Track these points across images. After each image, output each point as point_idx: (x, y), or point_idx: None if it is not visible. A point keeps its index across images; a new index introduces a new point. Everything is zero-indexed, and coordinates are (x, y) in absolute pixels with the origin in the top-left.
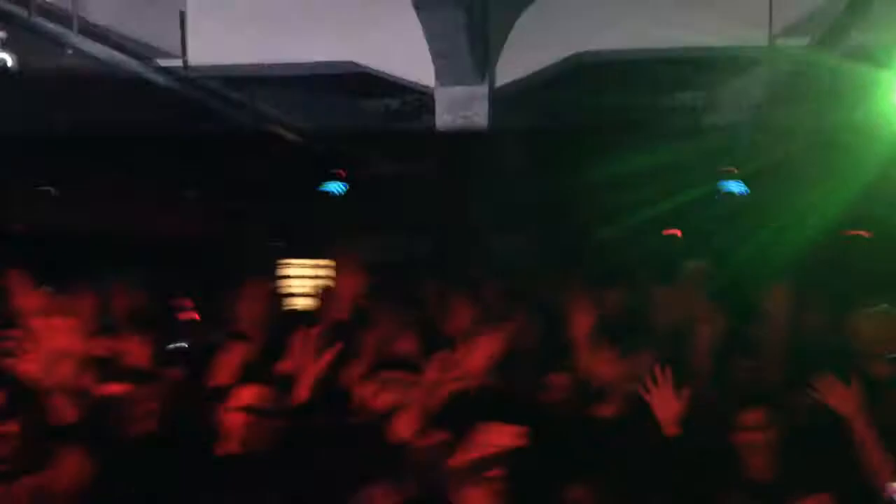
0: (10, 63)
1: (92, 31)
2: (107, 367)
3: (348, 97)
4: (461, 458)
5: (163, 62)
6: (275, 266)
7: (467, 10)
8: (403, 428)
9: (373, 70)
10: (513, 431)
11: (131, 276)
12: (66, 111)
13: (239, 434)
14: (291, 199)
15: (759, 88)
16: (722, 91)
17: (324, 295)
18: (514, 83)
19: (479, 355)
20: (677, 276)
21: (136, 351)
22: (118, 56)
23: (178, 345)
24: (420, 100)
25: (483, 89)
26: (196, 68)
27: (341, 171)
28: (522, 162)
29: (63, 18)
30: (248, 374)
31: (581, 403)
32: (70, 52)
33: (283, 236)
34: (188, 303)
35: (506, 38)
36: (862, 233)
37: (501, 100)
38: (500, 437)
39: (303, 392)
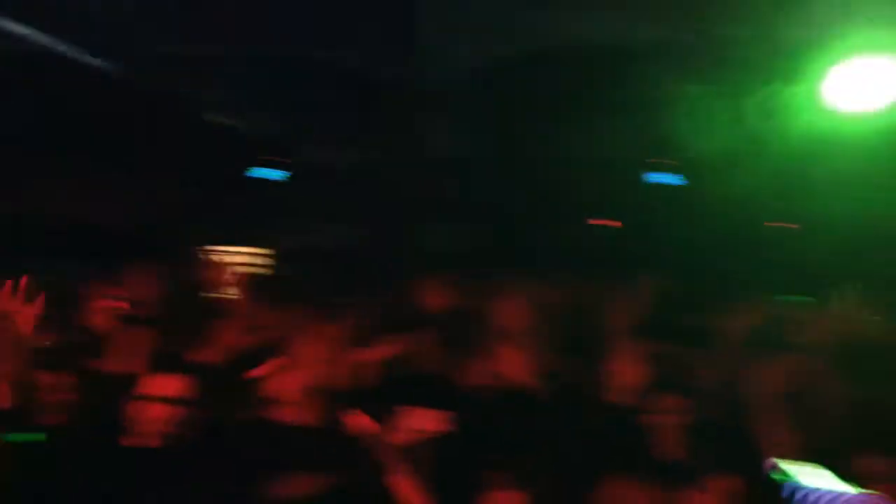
0: None
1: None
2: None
3: (288, 84)
4: (387, 443)
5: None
6: (197, 252)
7: None
8: (320, 413)
9: (314, 57)
10: (438, 415)
11: (53, 263)
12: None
13: (152, 425)
14: (225, 186)
15: (690, 81)
16: (654, 83)
17: (240, 282)
18: (452, 74)
19: (400, 343)
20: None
21: (49, 338)
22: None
23: (91, 332)
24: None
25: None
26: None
27: (277, 159)
28: (459, 154)
29: None
30: (161, 363)
31: (506, 388)
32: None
33: (210, 223)
34: (106, 289)
35: (448, 27)
36: (790, 225)
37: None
38: (425, 421)
39: (215, 380)
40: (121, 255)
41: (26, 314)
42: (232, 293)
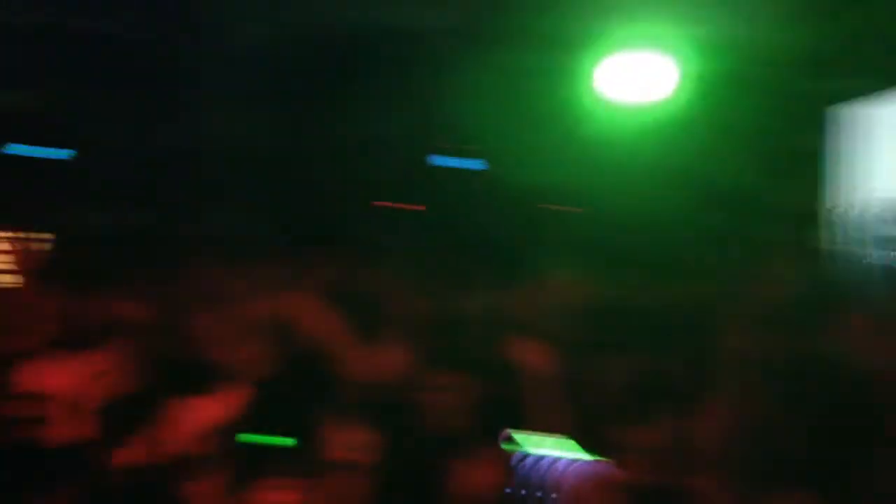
0: None
1: None
2: None
3: (45, 56)
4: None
5: None
6: None
7: None
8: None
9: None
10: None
11: None
12: None
13: None
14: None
15: (477, 67)
16: (441, 68)
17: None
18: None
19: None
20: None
21: None
22: None
23: None
24: None
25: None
26: None
27: (38, 136)
28: (245, 130)
29: None
30: None
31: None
32: None
33: None
34: None
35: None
36: (573, 208)
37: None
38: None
39: None
40: None
41: None
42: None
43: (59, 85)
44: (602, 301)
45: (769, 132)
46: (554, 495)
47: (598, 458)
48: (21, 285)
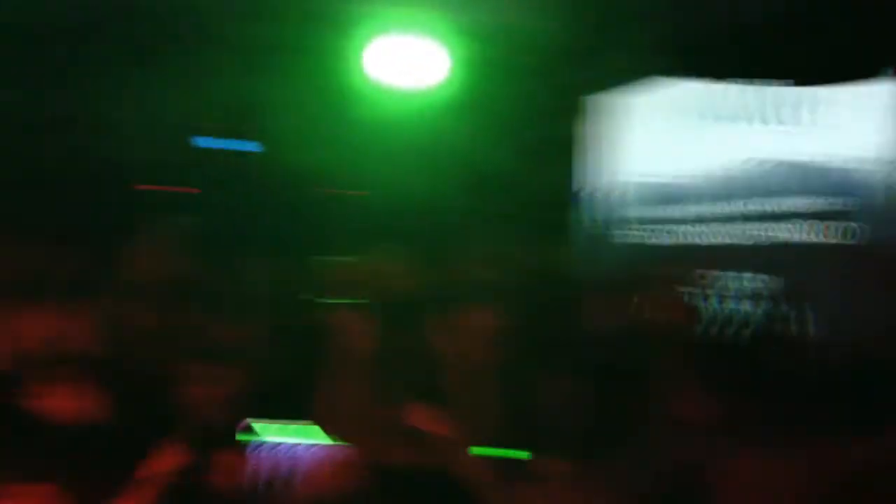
0: None
1: None
2: None
3: None
4: None
5: None
6: None
7: None
8: None
9: None
10: None
11: None
12: None
13: None
14: None
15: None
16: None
17: None
18: None
19: None
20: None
21: None
22: None
23: None
24: None
25: None
26: None
27: None
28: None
29: None
30: None
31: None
32: None
33: None
34: None
35: None
36: (358, 192)
37: None
38: None
39: None
40: None
41: None
42: None
43: None
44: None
45: (531, 119)
46: (287, 482)
47: (337, 442)
48: None
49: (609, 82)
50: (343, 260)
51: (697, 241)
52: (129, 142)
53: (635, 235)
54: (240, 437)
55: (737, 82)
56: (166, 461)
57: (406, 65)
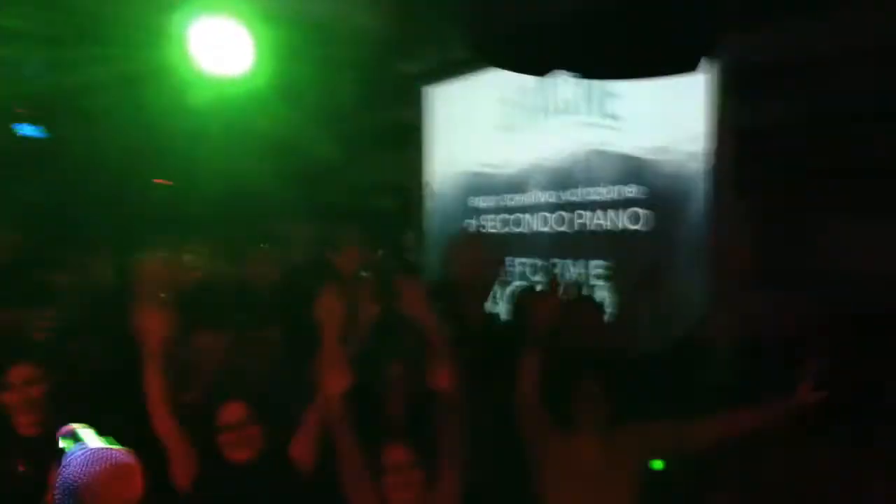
0: None
1: None
2: None
3: None
4: None
5: None
6: None
7: None
8: None
9: None
10: None
11: None
12: None
13: None
14: None
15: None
16: None
17: None
18: None
19: None
20: None
21: None
22: None
23: None
24: None
25: None
26: None
27: None
28: None
29: None
30: None
31: None
32: None
33: None
34: None
35: None
36: (164, 181)
37: None
38: None
39: None
40: None
41: None
42: None
43: None
44: (191, 276)
45: (361, 109)
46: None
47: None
48: None
49: (431, 74)
50: (148, 252)
51: (524, 229)
52: None
53: (465, 224)
54: (63, 444)
55: (557, 76)
56: None
57: (228, 51)
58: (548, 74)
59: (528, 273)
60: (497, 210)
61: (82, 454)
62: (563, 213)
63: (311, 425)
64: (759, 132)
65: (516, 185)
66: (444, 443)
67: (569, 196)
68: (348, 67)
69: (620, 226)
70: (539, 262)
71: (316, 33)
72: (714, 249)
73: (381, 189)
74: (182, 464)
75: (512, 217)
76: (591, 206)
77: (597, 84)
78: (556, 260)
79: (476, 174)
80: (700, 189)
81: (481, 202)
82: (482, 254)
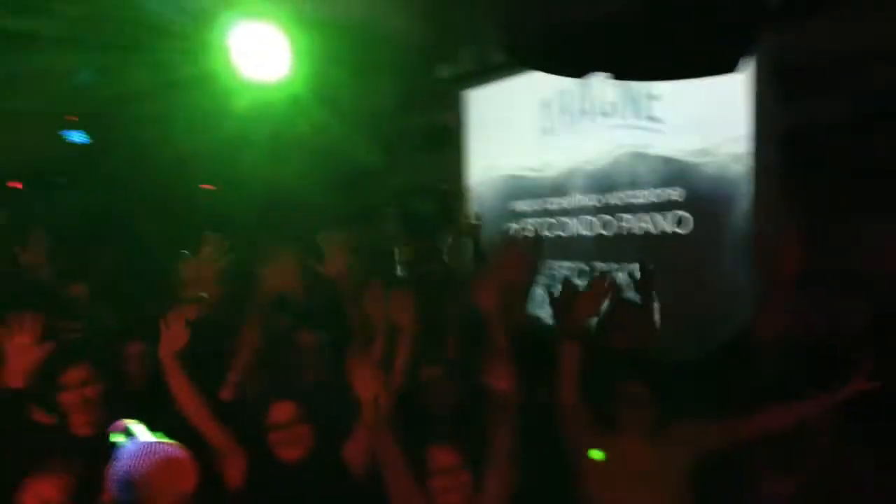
0: None
1: None
2: None
3: None
4: None
5: None
6: None
7: None
8: None
9: None
10: None
11: None
12: None
13: None
14: None
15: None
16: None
17: None
18: None
19: None
20: None
21: None
22: None
23: None
24: None
25: None
26: None
27: None
28: None
29: None
30: None
31: None
32: None
33: None
34: None
35: None
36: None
37: None
38: None
39: None
40: None
41: None
42: None
43: None
44: (236, 281)
45: (399, 113)
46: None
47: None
48: None
49: (469, 78)
50: (192, 254)
51: (565, 232)
52: None
53: (505, 227)
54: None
55: (596, 78)
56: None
57: (266, 56)
58: (585, 76)
59: (570, 277)
60: (538, 213)
61: (136, 448)
62: (605, 217)
63: (364, 428)
64: (803, 132)
65: (557, 188)
66: (495, 444)
67: (610, 199)
68: (386, 72)
69: (662, 229)
70: (581, 266)
71: (353, 38)
72: (758, 251)
73: (420, 192)
74: (233, 463)
75: (553, 220)
76: (633, 209)
77: (637, 86)
78: (597, 263)
79: (516, 177)
80: (743, 191)
81: (522, 205)
82: (522, 256)
